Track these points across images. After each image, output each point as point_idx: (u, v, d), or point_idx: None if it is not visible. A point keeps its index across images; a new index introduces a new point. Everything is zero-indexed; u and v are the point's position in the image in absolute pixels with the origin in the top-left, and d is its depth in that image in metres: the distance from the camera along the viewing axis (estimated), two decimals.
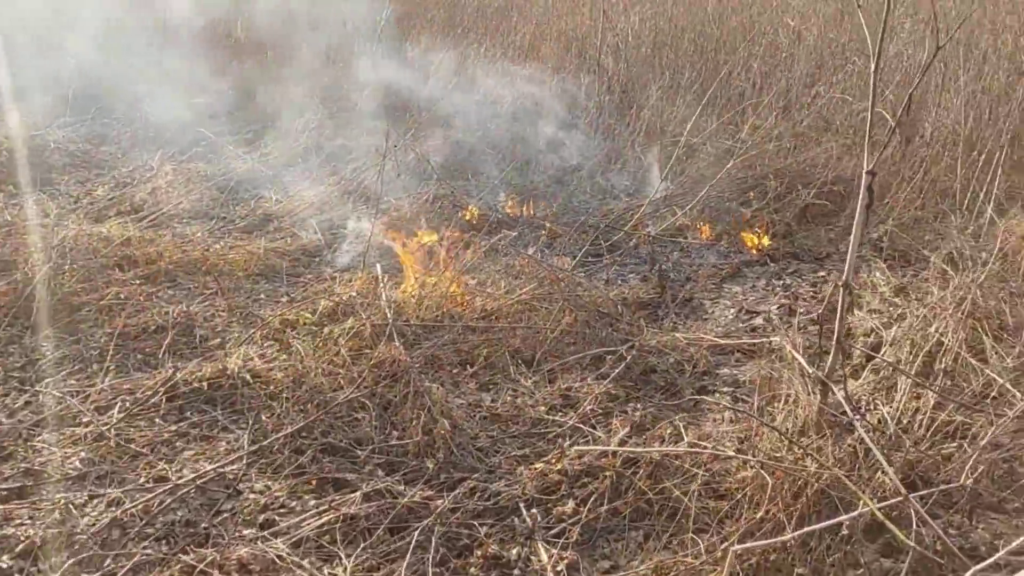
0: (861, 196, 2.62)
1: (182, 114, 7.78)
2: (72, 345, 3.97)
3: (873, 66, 2.57)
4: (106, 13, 8.77)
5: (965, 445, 2.92)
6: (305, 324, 4.08)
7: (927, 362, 3.47)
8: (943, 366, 3.32)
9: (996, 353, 3.62)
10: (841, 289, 2.68)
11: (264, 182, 6.48)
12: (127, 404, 3.46)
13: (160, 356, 3.89)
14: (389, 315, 3.82)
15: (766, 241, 5.18)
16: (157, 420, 3.41)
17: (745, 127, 6.18)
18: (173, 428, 3.35)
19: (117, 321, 4.09)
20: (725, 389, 3.64)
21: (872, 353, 3.51)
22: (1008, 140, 5.14)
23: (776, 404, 3.14)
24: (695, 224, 5.40)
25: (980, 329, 3.74)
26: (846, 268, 2.71)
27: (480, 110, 7.47)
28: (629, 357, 3.68)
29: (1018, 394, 3.09)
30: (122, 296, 4.34)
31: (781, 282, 4.86)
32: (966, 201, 5.30)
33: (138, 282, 4.60)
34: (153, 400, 3.49)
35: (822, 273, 4.96)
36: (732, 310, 4.52)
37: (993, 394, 3.25)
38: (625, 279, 4.90)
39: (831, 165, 5.67)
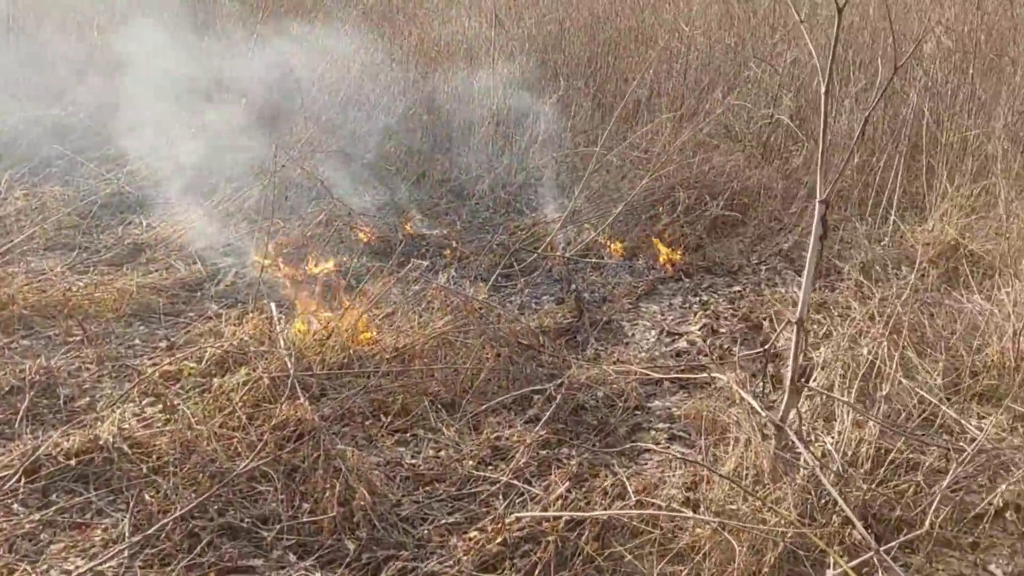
0: (815, 227, 2.44)
1: (33, 128, 6.97)
2: None
3: (824, 89, 2.39)
4: None
5: (920, 481, 2.80)
6: (190, 375, 3.60)
7: (862, 387, 3.36)
8: (882, 392, 3.20)
9: (924, 370, 3.57)
10: (795, 327, 2.48)
11: (132, 205, 5.85)
12: None
13: (16, 425, 3.32)
14: (289, 364, 3.39)
15: (678, 256, 5.04)
16: (16, 507, 2.87)
17: (649, 137, 6.04)
18: (36, 517, 2.82)
19: None
20: (661, 426, 3.42)
21: (806, 385, 3.36)
22: (907, 145, 5.18)
23: (723, 447, 2.93)
24: (606, 241, 5.19)
25: (905, 344, 3.68)
26: (800, 304, 2.53)
27: (370, 119, 7.05)
28: (559, 396, 3.40)
29: (967, 424, 3.01)
30: None
31: (698, 299, 4.72)
32: (868, 207, 5.32)
33: None
34: (9, 483, 2.94)
35: (737, 288, 4.85)
36: (653, 332, 4.33)
37: (938, 422, 3.17)
38: (539, 302, 4.63)
39: (736, 175, 5.59)
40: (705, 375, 3.60)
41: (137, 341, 4.11)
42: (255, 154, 6.51)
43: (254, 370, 3.42)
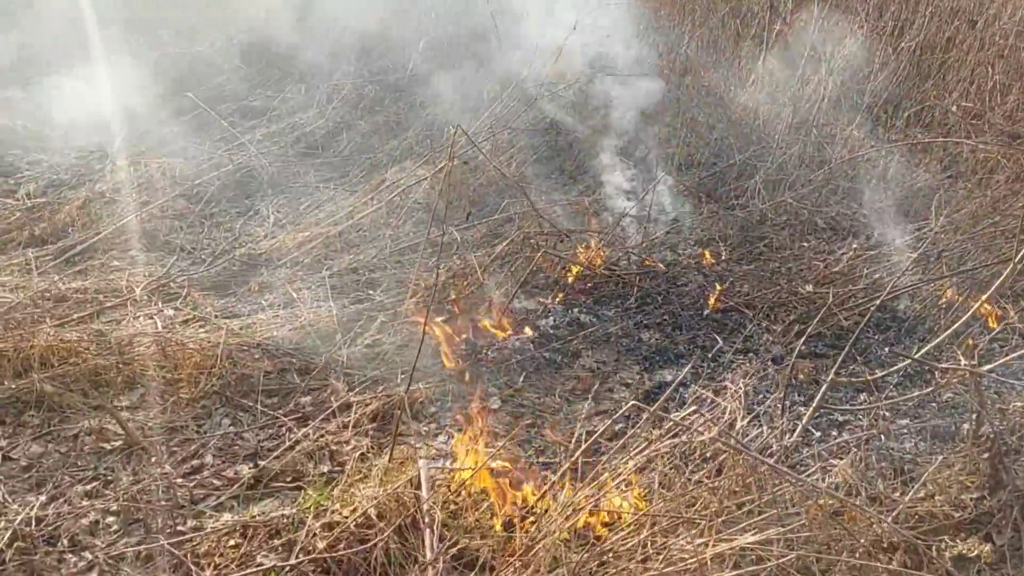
0: None
1: (150, 75, 5.51)
2: None
3: None
4: None
5: None
6: None
7: None
8: None
9: None
10: None
11: (262, 189, 4.24)
12: None
13: None
14: None
15: None
16: None
17: None
18: None
19: None
20: None
21: None
22: None
23: None
24: (991, 310, 3.00)
25: None
26: None
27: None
28: None
29: None
30: None
31: None
32: None
33: None
34: None
35: None
36: None
37: None
38: (899, 439, 2.55)
39: None
40: None
41: (209, 458, 2.45)
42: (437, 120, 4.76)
43: None
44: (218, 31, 6.17)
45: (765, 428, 2.36)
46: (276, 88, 5.39)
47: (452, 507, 2.02)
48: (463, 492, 2.06)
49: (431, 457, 2.39)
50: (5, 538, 1.98)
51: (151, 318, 3.11)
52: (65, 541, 2.06)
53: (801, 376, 2.66)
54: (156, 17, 6.36)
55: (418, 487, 1.94)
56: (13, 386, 2.61)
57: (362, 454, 2.39)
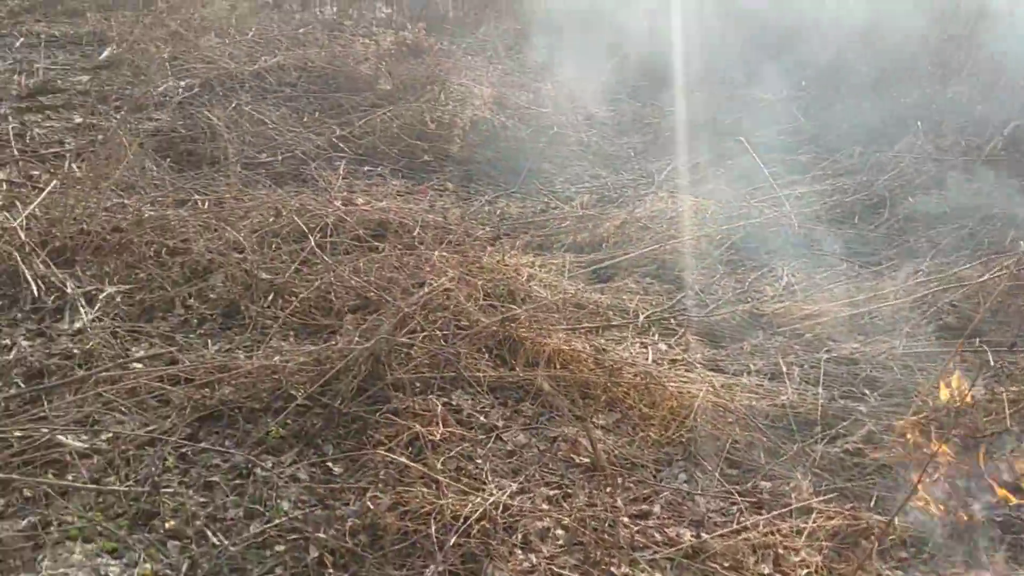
0: None
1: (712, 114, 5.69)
2: None
3: None
4: None
5: None
6: None
7: None
8: None
9: None
10: None
11: (784, 248, 4.13)
12: None
13: None
14: None
15: None
16: None
17: None
18: None
19: None
20: None
21: None
22: None
23: None
24: None
25: None
26: None
27: None
28: None
29: None
30: None
31: None
32: None
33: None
34: None
35: None
36: None
37: None
38: None
39: None
40: None
41: (657, 508, 2.47)
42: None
43: None
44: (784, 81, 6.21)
45: None
46: (830, 148, 5.22)
47: None
48: None
49: None
50: (478, 512, 2.26)
51: (645, 347, 3.27)
52: (519, 536, 2.28)
53: None
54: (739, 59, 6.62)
55: None
56: (521, 374, 2.97)
57: (809, 572, 2.19)
